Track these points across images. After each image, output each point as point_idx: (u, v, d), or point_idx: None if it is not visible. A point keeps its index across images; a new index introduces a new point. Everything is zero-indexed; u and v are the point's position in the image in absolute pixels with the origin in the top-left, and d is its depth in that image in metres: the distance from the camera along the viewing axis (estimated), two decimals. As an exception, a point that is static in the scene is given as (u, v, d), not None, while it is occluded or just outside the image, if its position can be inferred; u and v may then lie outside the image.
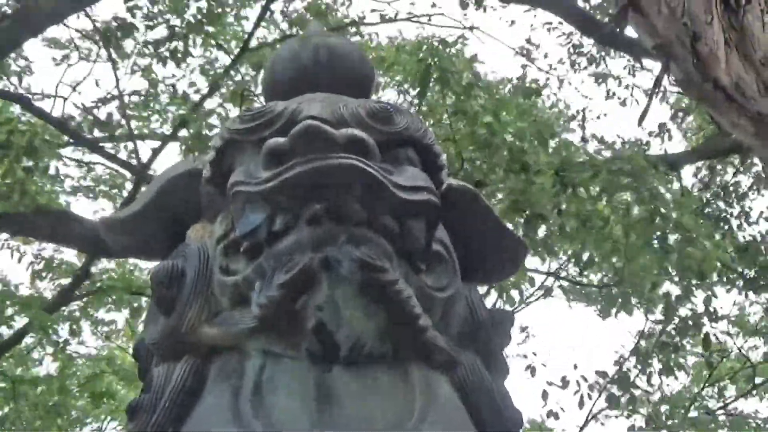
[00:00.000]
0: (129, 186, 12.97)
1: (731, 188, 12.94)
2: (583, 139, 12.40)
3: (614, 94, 13.70)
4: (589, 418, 14.20)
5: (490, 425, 3.40)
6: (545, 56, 14.10)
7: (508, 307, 10.63)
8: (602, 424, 14.78)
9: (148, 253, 3.76)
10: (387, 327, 3.27)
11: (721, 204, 12.74)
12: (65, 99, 12.18)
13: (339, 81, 3.84)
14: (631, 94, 13.67)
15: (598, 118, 14.48)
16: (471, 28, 13.56)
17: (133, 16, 11.26)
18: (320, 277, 3.21)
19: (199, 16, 11.32)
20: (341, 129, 3.37)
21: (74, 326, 13.46)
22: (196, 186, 3.68)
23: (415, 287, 3.34)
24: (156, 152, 11.80)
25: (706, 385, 13.83)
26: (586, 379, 12.44)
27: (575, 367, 12.64)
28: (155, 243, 3.75)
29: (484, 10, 13.09)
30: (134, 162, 11.92)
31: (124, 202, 11.35)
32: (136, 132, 12.39)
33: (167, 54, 11.29)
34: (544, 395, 12.17)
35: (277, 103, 3.67)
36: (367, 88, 4.01)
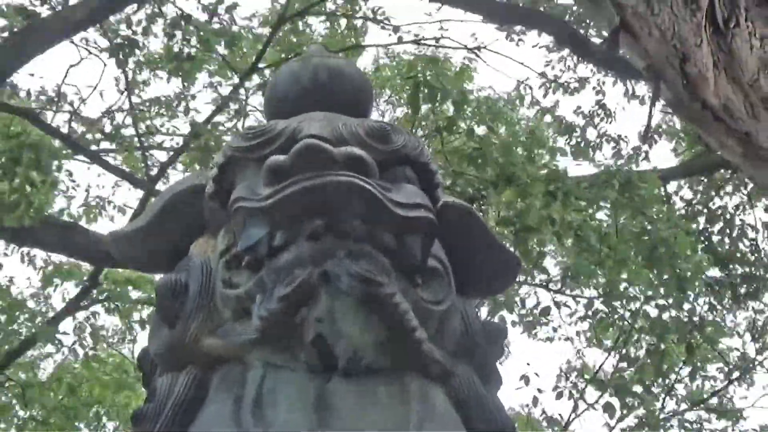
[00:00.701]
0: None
1: (713, 206, 12.97)
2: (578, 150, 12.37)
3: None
4: (572, 418, 14.21)
5: (483, 433, 3.40)
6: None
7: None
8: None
9: (154, 267, 3.77)
10: (384, 339, 3.27)
11: (702, 220, 12.76)
12: (71, 113, 12.17)
13: (338, 100, 3.84)
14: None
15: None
16: (477, 48, 13.60)
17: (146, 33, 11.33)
18: (319, 291, 3.21)
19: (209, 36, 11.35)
20: (340, 147, 3.39)
21: (80, 335, 13.52)
22: (199, 201, 3.68)
23: (412, 301, 3.34)
24: (165, 166, 11.78)
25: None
26: (576, 387, 12.50)
27: (566, 377, 12.75)
28: (160, 256, 3.75)
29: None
30: (142, 175, 11.95)
31: (134, 214, 11.33)
32: (145, 144, 12.40)
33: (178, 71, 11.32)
34: (535, 401, 12.25)
35: (278, 121, 3.69)
36: (365, 108, 4.02)
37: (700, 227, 12.54)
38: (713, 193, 13.12)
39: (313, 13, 13.17)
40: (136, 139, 12.22)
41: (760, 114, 3.86)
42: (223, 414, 3.21)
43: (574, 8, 12.21)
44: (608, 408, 12.17)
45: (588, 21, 11.84)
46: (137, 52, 11.50)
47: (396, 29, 13.45)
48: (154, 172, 11.93)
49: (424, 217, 3.47)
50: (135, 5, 11.15)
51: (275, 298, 3.24)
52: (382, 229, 3.35)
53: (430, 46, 13.86)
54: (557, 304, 12.68)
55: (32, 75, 18.71)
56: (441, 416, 3.29)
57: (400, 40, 13.55)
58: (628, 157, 12.79)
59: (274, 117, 3.89)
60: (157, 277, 3.89)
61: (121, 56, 11.35)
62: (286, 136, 3.52)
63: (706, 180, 13.22)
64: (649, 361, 11.38)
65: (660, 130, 13.50)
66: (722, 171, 12.76)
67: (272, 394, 3.22)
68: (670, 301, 10.63)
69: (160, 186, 11.21)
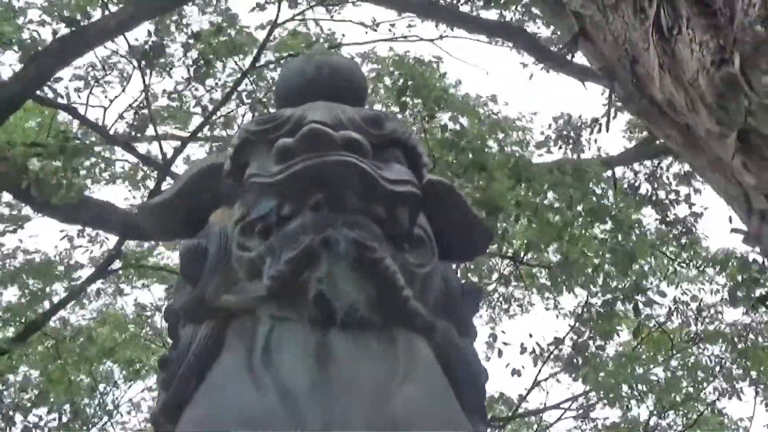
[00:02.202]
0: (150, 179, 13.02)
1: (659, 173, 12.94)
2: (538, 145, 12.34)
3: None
4: (535, 382, 14.22)
5: (462, 380, 3.41)
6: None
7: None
8: (547, 392, 14.82)
9: (177, 234, 3.76)
10: (376, 297, 3.29)
11: (649, 186, 12.73)
12: (105, 108, 12.13)
13: (338, 92, 3.84)
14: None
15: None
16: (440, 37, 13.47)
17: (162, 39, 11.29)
18: (321, 255, 3.23)
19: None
20: (340, 132, 3.40)
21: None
22: (218, 177, 3.68)
23: (400, 264, 3.35)
24: (177, 151, 11.75)
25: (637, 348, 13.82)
26: (540, 345, 12.56)
27: (530, 335, 12.84)
28: (184, 225, 3.75)
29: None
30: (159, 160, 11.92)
31: (151, 192, 11.30)
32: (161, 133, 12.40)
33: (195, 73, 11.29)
34: (500, 353, 12.27)
35: (285, 109, 3.71)
36: (361, 98, 4.03)
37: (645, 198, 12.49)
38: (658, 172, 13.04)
39: (301, 19, 13.08)
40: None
41: (698, 109, 3.87)
42: (236, 360, 3.22)
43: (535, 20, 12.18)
44: (568, 366, 12.27)
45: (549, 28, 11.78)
46: (161, 55, 11.41)
47: (375, 26, 13.40)
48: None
49: (411, 192, 3.51)
50: (157, 17, 11.09)
51: (283, 260, 3.25)
52: (374, 202, 3.38)
53: (403, 40, 13.69)
54: (520, 275, 12.76)
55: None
56: (424, 363, 3.29)
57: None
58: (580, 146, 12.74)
59: (282, 106, 3.89)
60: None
61: (149, 59, 11.29)
62: (293, 122, 3.54)
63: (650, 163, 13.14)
64: (600, 322, 11.42)
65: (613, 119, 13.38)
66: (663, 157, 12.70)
67: (279, 344, 3.22)
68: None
69: (175, 169, 11.24)
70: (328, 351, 3.17)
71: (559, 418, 14.87)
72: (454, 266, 3.79)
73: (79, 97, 11.81)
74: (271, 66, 12.18)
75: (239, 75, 11.90)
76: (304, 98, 3.80)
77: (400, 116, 10.93)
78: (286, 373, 3.11)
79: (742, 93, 3.52)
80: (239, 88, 11.85)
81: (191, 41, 11.42)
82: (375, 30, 13.37)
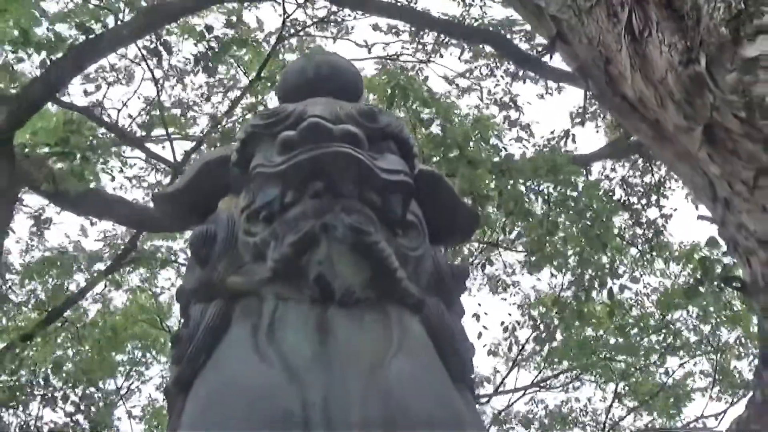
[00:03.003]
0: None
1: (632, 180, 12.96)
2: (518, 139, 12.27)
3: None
4: (516, 361, 14.24)
5: (450, 352, 3.41)
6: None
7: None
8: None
9: (188, 220, 3.76)
10: (372, 277, 3.30)
11: (622, 192, 12.77)
12: (119, 110, 12.12)
13: (336, 89, 3.85)
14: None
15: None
16: (428, 61, 13.47)
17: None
18: (320, 239, 3.24)
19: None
20: (338, 125, 3.41)
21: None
22: (226, 168, 3.68)
23: (394, 247, 3.36)
24: (188, 154, 11.70)
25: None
26: (518, 323, 12.59)
27: (509, 314, 12.85)
28: (193, 212, 3.75)
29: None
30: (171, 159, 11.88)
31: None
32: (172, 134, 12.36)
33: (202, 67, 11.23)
34: (480, 335, 12.33)
35: (287, 105, 3.71)
36: (357, 95, 4.03)
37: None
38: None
39: (304, 34, 13.01)
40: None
41: (667, 105, 3.86)
42: (243, 336, 3.23)
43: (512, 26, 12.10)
44: (537, 339, 12.35)
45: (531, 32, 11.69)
46: (171, 53, 11.35)
47: (369, 49, 13.42)
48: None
49: (403, 180, 3.51)
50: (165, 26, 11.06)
51: (285, 244, 3.26)
52: (370, 190, 3.38)
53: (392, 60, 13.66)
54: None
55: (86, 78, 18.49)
56: (416, 338, 3.30)
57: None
58: (557, 140, 12.69)
59: (284, 101, 3.89)
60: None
61: (159, 56, 11.27)
62: (295, 117, 3.54)
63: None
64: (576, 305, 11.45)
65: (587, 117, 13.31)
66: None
67: (282, 321, 3.23)
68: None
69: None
70: (327, 327, 3.19)
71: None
72: (443, 249, 3.77)
73: (96, 100, 11.84)
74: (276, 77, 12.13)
75: (244, 87, 11.92)
76: (304, 95, 3.81)
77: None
78: (289, 347, 3.13)
79: (708, 90, 3.51)
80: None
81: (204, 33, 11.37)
82: (369, 51, 13.39)
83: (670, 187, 12.67)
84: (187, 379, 3.31)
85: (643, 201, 12.66)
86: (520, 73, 12.14)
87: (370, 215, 3.33)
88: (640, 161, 12.71)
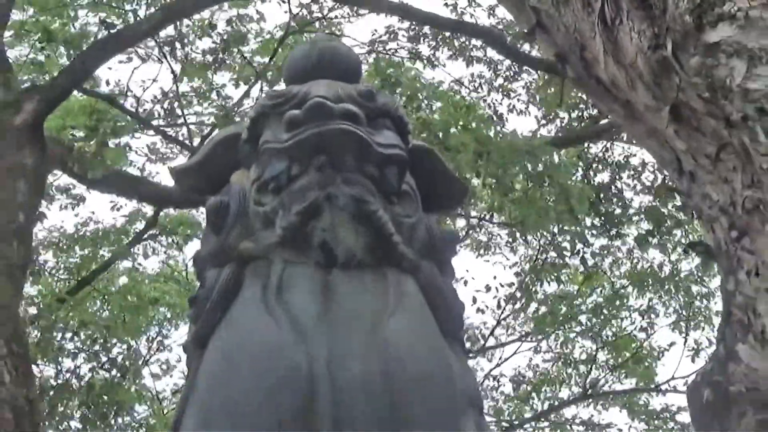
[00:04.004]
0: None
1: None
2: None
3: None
4: (499, 320, 14.22)
5: (443, 311, 3.38)
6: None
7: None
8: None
9: (203, 192, 3.72)
10: (371, 243, 3.26)
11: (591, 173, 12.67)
12: (138, 98, 12.02)
13: (337, 72, 3.79)
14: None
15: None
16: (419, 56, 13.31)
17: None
18: (324, 208, 3.21)
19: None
20: (339, 104, 3.37)
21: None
22: (237, 144, 3.63)
23: (390, 215, 3.32)
24: (204, 138, 11.61)
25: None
26: (502, 284, 12.62)
27: (495, 277, 12.79)
28: (208, 184, 3.70)
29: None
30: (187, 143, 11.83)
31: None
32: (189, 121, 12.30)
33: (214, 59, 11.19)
34: (474, 300, 12.32)
35: (293, 87, 3.66)
36: (356, 77, 3.98)
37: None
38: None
39: (308, 30, 12.82)
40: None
41: (637, 86, 3.85)
42: (254, 297, 3.21)
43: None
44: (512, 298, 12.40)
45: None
46: (185, 45, 11.28)
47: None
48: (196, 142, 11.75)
49: (398, 154, 3.47)
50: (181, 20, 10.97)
51: (292, 213, 3.23)
52: (368, 163, 3.34)
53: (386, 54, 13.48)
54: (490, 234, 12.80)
55: (110, 68, 18.44)
56: (411, 298, 3.28)
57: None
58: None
59: (290, 83, 3.85)
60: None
61: (173, 48, 11.21)
62: (300, 97, 3.48)
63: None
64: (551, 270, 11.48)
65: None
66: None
67: (289, 283, 3.20)
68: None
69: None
70: (330, 288, 3.16)
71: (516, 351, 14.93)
72: (435, 217, 3.74)
73: (117, 86, 11.77)
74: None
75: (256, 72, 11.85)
76: (308, 77, 3.75)
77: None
78: (296, 307, 3.11)
79: (674, 73, 3.51)
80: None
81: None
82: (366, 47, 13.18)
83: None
84: (203, 336, 3.28)
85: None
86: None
87: (369, 186, 3.29)
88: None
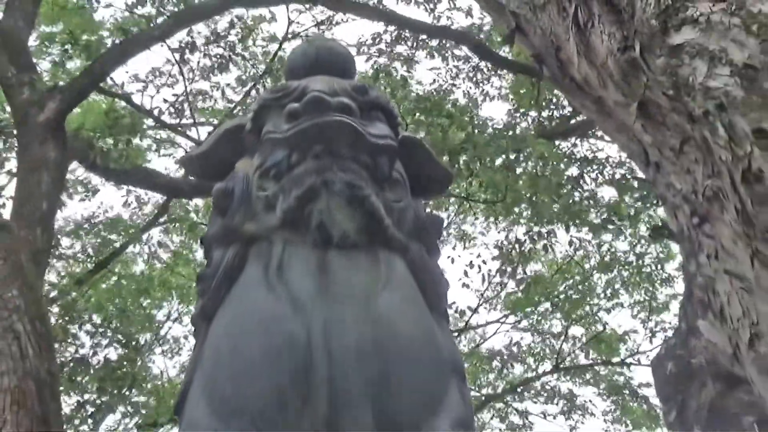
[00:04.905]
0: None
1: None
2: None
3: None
4: (480, 301, 14.16)
5: (429, 288, 3.37)
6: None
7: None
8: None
9: (210, 177, 3.69)
10: (364, 225, 3.25)
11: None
12: (152, 97, 11.98)
13: (333, 68, 3.79)
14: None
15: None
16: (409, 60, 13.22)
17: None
18: (321, 193, 3.20)
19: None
20: (335, 98, 3.37)
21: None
22: (241, 135, 3.62)
23: (382, 200, 3.31)
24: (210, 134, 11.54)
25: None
26: (485, 262, 12.54)
27: (478, 255, 12.76)
28: (215, 171, 3.68)
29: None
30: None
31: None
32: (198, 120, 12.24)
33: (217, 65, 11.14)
34: (466, 273, 12.24)
35: (293, 82, 3.67)
36: (351, 73, 3.98)
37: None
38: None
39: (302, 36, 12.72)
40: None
41: (608, 85, 3.82)
42: (256, 274, 3.19)
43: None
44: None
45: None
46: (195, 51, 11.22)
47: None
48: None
49: (389, 144, 3.46)
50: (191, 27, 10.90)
51: (292, 197, 3.22)
52: (362, 152, 3.33)
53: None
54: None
55: (127, 72, 18.35)
56: (401, 275, 3.27)
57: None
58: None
59: (290, 79, 3.84)
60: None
61: (185, 55, 11.15)
62: (299, 92, 3.49)
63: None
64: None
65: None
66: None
67: (289, 261, 3.18)
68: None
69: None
70: (326, 266, 3.15)
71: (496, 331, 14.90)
72: (423, 202, 3.72)
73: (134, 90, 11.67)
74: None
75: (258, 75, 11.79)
76: (307, 73, 3.76)
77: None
78: (295, 283, 3.09)
79: (642, 72, 3.48)
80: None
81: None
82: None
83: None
84: (210, 310, 3.27)
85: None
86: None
87: (362, 173, 3.28)
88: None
